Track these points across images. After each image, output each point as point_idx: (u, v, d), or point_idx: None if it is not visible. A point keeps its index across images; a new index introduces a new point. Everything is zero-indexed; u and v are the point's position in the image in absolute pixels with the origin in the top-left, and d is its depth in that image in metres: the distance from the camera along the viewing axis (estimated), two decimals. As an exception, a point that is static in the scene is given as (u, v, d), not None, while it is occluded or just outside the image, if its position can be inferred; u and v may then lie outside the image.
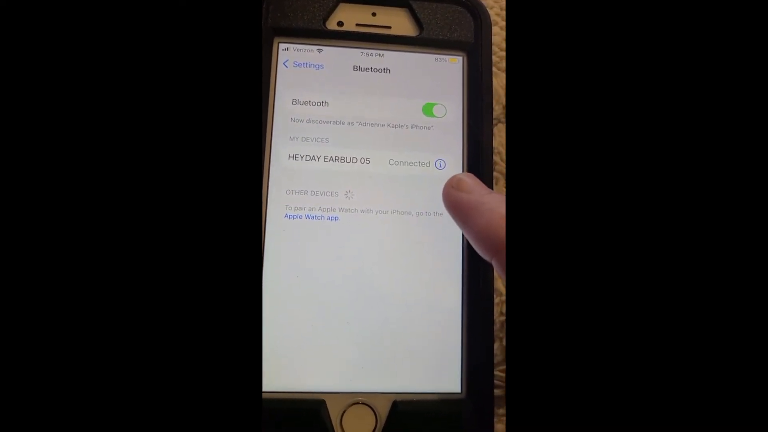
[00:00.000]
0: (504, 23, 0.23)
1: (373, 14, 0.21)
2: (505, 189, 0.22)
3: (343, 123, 0.20)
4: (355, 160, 0.20)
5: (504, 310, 0.21)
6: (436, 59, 0.21)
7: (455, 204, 0.15)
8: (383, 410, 0.18)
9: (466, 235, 0.15)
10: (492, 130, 0.20)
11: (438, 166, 0.20)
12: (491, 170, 0.20)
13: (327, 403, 0.18)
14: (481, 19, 0.21)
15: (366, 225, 0.19)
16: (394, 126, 0.20)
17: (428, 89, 0.20)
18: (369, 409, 0.18)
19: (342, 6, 0.21)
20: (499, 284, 0.21)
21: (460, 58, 0.21)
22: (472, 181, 0.15)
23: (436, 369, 0.19)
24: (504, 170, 0.22)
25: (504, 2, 0.24)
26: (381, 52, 0.21)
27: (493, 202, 0.14)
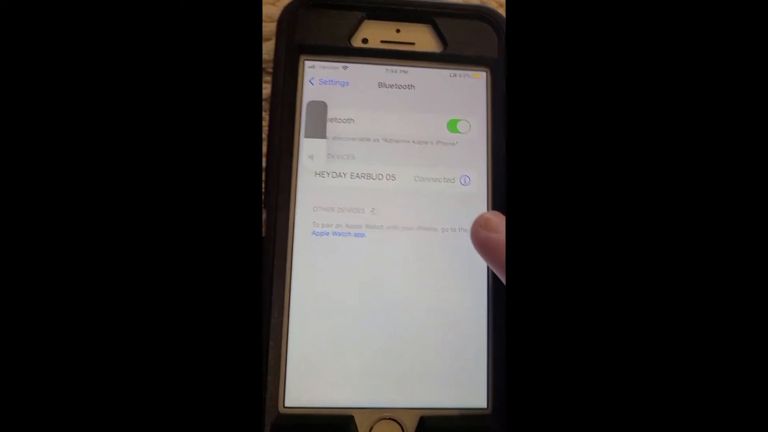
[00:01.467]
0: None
1: (398, 31, 0.21)
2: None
3: (368, 139, 0.20)
4: (380, 177, 0.20)
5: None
6: (460, 75, 0.21)
7: (484, 243, 0.16)
8: (411, 425, 0.18)
9: (496, 273, 0.16)
10: (516, 146, 0.20)
11: (463, 182, 0.20)
12: (516, 186, 0.20)
13: (355, 418, 0.18)
14: (504, 35, 0.21)
15: (392, 241, 0.19)
16: (419, 142, 0.20)
17: (453, 105, 0.21)
18: (396, 424, 0.18)
19: (367, 23, 0.21)
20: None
21: (484, 74, 0.21)
22: (499, 220, 0.16)
23: (463, 384, 0.19)
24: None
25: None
26: (405, 68, 0.21)
27: None
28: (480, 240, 0.16)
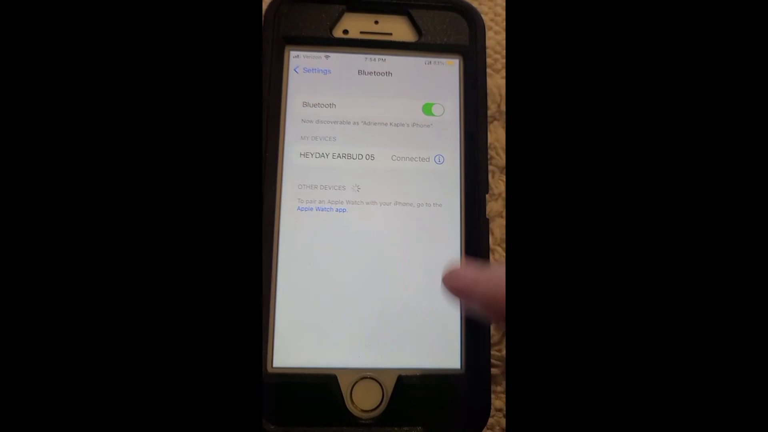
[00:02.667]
0: (498, 28, 0.25)
1: (376, 22, 0.22)
2: (502, 182, 0.23)
3: (349, 123, 0.22)
4: (360, 157, 0.21)
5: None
6: (435, 62, 0.22)
7: (455, 289, 0.16)
8: (389, 384, 0.20)
9: (475, 313, 0.16)
10: (487, 127, 0.22)
11: (437, 161, 0.22)
12: (486, 164, 0.21)
13: (338, 377, 0.19)
14: (476, 25, 0.22)
15: (371, 216, 0.21)
16: (396, 125, 0.22)
17: (427, 90, 0.22)
18: (376, 383, 0.20)
19: (347, 15, 0.22)
20: (496, 269, 0.22)
21: (457, 61, 0.22)
22: (464, 266, 0.17)
23: (438, 347, 0.20)
24: (499, 164, 0.24)
25: (497, 9, 0.25)
26: (383, 57, 0.22)
27: (489, 273, 0.15)
28: (451, 287, 0.16)
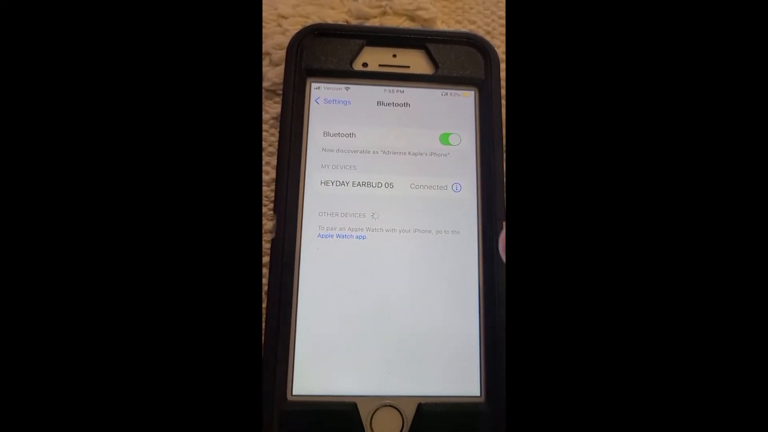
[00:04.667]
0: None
1: (394, 56, 0.23)
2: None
3: (369, 152, 0.22)
4: (380, 185, 0.22)
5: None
6: (451, 94, 0.23)
7: None
8: (409, 412, 0.20)
9: None
10: (503, 155, 0.22)
11: (455, 189, 0.22)
12: (503, 191, 0.22)
13: (358, 405, 0.19)
14: (490, 58, 0.23)
15: (390, 243, 0.21)
16: (414, 154, 0.22)
17: (444, 120, 0.23)
18: (396, 411, 0.20)
19: (366, 49, 0.23)
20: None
21: (473, 93, 0.23)
22: None
23: (457, 374, 0.20)
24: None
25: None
26: (401, 88, 0.23)
27: None
28: None
